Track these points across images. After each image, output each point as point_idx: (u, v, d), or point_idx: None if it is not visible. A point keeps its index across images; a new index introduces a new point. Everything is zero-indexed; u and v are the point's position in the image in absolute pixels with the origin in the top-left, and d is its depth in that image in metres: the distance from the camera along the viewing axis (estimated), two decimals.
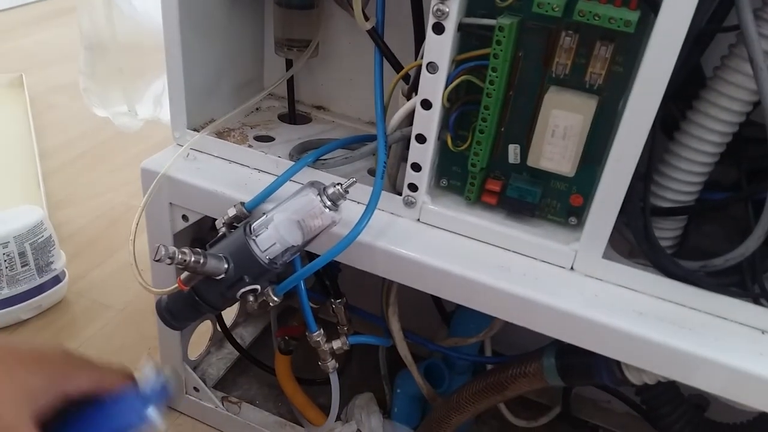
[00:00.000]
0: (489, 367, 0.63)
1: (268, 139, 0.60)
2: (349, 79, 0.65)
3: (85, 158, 1.19)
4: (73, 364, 0.36)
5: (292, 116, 0.64)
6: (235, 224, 0.49)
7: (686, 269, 0.44)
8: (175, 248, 0.42)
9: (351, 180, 0.44)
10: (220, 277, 0.43)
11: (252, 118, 0.64)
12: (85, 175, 1.14)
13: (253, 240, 0.44)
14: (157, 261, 0.41)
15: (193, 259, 0.42)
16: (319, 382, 0.68)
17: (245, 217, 0.49)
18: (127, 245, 0.92)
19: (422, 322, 0.64)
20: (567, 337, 0.45)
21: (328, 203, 0.44)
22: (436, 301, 0.66)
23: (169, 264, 0.41)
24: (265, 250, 0.44)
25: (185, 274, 0.44)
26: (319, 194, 0.44)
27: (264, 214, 0.45)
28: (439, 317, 0.67)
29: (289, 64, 0.62)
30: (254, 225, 0.45)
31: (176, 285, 0.45)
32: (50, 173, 1.10)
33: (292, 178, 0.51)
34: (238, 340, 0.73)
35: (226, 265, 0.43)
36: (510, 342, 0.63)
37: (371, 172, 0.56)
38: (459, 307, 0.59)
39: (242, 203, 0.49)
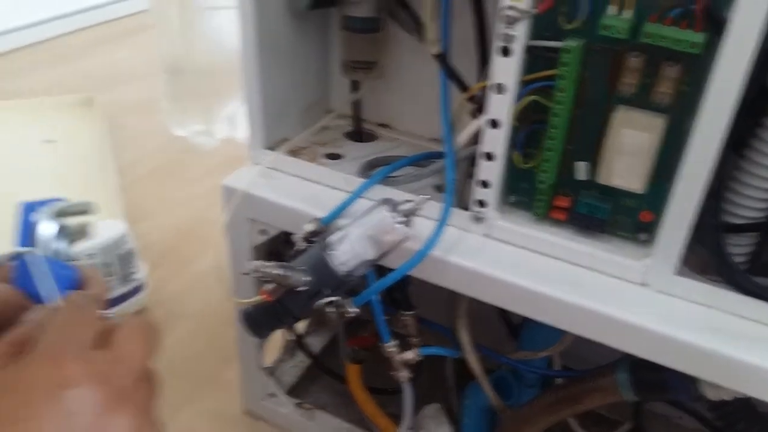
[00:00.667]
0: (558, 381, 0.63)
1: (337, 156, 0.62)
2: (412, 98, 0.67)
3: (157, 174, 1.24)
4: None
5: (359, 134, 0.67)
6: (311, 239, 0.51)
7: (761, 286, 0.44)
8: (261, 262, 0.44)
9: (424, 197, 0.46)
10: (302, 289, 0.46)
11: (320, 136, 0.66)
12: (159, 191, 1.19)
13: (331, 254, 0.46)
14: (245, 274, 0.44)
15: (277, 272, 0.45)
16: (390, 392, 0.70)
17: (321, 231, 0.51)
18: (202, 257, 0.97)
19: (488, 334, 0.64)
20: (643, 352, 0.45)
21: (401, 219, 0.46)
22: (503, 313, 0.67)
23: (256, 277, 0.44)
24: (342, 264, 0.46)
25: (270, 285, 0.47)
26: (391, 210, 0.46)
27: (339, 229, 0.48)
28: (506, 330, 0.67)
29: (354, 83, 0.65)
30: (331, 240, 0.47)
31: (261, 296, 0.48)
32: (125, 188, 1.15)
33: (362, 194, 0.54)
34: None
35: (307, 278, 0.46)
36: (578, 356, 0.63)
37: (437, 188, 0.58)
38: (527, 320, 0.60)
39: (318, 219, 0.52)
